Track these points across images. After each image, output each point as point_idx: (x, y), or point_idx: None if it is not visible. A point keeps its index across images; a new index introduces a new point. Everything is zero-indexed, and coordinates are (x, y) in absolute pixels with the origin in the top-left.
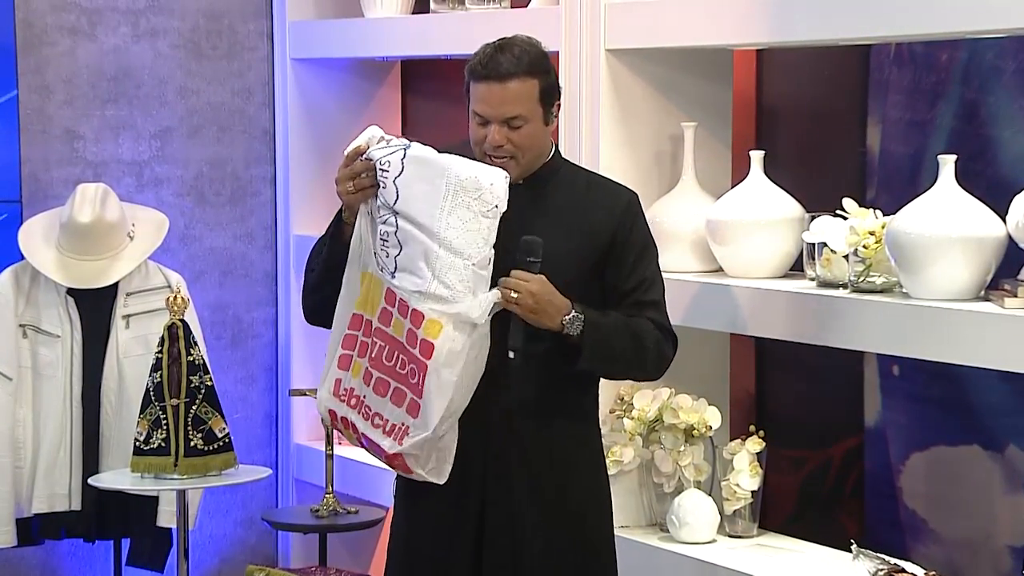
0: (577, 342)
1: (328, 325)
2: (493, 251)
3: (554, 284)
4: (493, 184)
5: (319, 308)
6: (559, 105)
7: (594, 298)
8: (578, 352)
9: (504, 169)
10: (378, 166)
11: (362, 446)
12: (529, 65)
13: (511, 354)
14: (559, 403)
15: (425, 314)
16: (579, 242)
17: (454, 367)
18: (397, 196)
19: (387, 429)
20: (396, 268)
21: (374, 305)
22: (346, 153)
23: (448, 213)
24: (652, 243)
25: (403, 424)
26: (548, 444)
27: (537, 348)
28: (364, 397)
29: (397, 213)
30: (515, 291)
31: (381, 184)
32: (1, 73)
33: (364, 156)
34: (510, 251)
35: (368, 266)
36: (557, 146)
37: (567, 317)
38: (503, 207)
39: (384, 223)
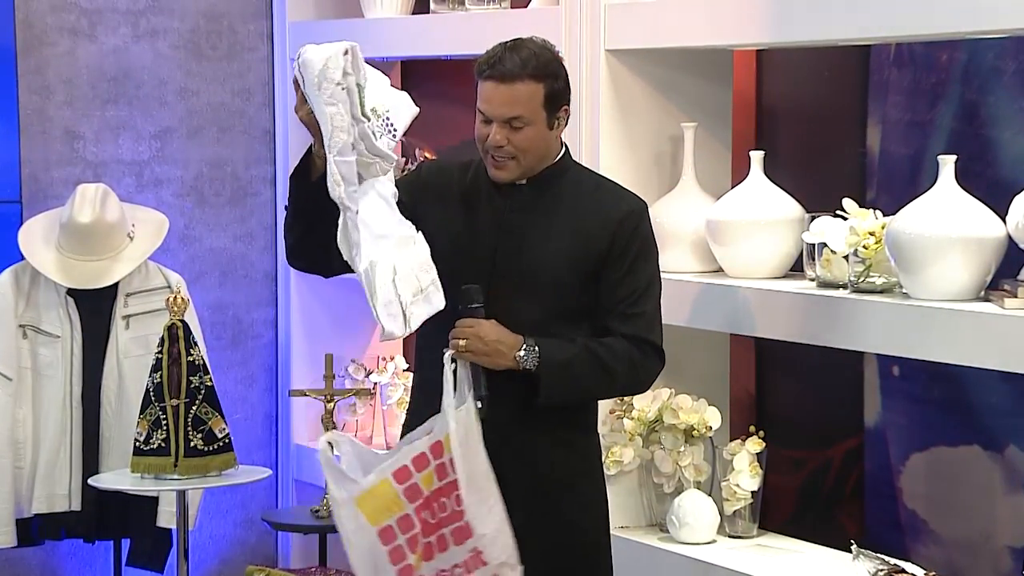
0: (536, 375)
1: (307, 267)
2: (350, 135)
3: (544, 284)
4: (327, 64)
5: (296, 248)
6: (567, 110)
7: (588, 301)
8: (537, 385)
9: (504, 169)
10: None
11: None
12: (535, 69)
13: (478, 404)
14: (552, 411)
15: (440, 439)
16: (574, 243)
17: (473, 459)
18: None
19: (465, 568)
20: None
21: (396, 502)
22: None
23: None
24: (652, 253)
25: (474, 549)
26: (540, 451)
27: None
28: (433, 572)
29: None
30: (462, 339)
31: None
32: (1, 73)
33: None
34: (505, 267)
35: (375, 472)
36: (568, 149)
37: (520, 353)
38: (342, 82)
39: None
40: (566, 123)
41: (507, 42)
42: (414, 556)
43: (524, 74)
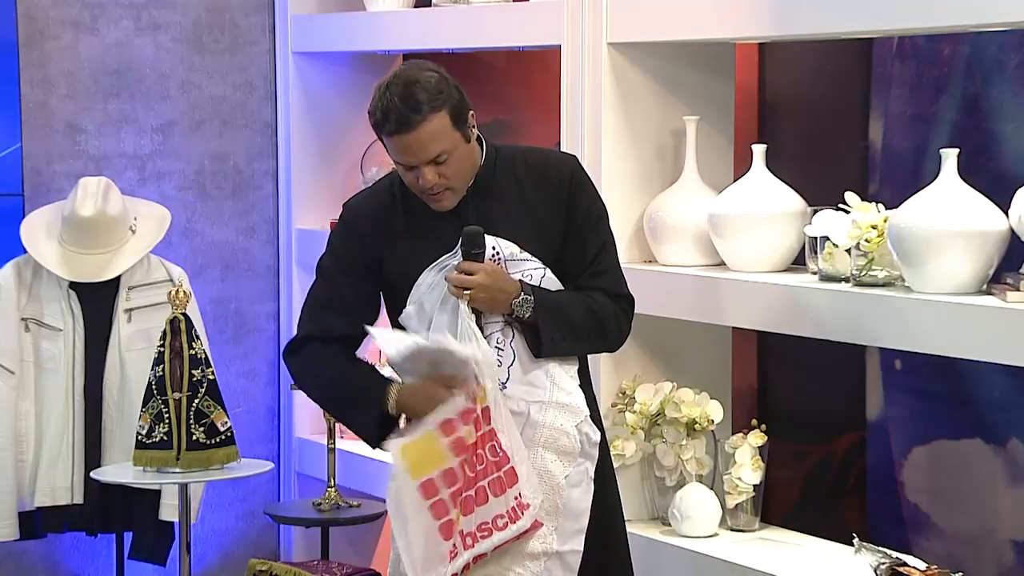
0: (533, 321)
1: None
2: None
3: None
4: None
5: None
6: (472, 114)
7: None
8: (537, 332)
9: (444, 200)
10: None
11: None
12: (431, 101)
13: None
14: None
15: (475, 391)
16: (537, 231)
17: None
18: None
19: (509, 519)
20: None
21: (439, 455)
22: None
23: None
24: (602, 206)
25: (516, 497)
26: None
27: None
28: (472, 526)
29: None
30: (466, 288)
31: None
32: (3, 67)
33: None
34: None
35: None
36: (484, 143)
37: (516, 300)
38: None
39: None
40: (475, 125)
41: (390, 87)
42: (455, 511)
43: (425, 112)
